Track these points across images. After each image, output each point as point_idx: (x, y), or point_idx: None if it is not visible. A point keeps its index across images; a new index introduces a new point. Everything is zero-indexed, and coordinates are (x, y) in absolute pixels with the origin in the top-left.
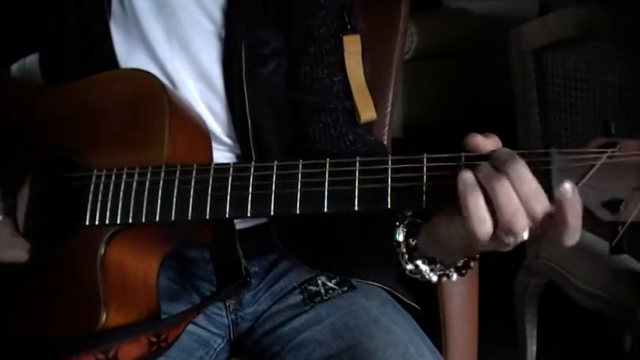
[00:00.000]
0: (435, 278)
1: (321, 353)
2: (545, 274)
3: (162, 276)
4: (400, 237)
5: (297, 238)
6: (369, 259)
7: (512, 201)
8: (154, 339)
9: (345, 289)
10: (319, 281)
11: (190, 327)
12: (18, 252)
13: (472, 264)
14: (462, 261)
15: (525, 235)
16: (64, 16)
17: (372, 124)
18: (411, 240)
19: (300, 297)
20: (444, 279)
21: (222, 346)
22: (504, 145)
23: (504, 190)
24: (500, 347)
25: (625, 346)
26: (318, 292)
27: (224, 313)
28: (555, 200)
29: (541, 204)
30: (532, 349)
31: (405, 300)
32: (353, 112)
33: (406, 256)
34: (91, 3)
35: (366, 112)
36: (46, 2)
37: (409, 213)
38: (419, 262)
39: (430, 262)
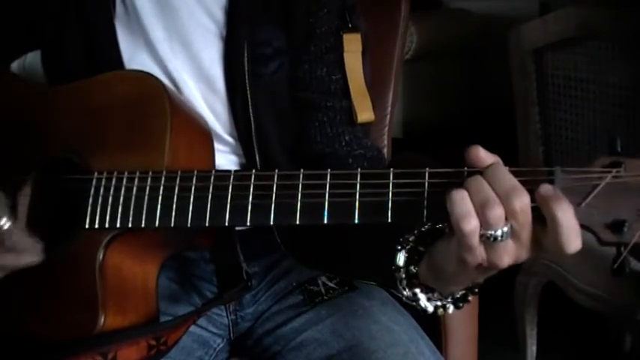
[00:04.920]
0: (431, 309)
1: (322, 353)
2: (545, 274)
3: (162, 276)
4: (401, 262)
5: (298, 238)
6: (369, 265)
7: (484, 192)
8: (153, 342)
9: (346, 289)
10: (320, 281)
11: (190, 327)
12: (32, 256)
13: (470, 297)
14: (460, 293)
15: (505, 237)
16: (65, 14)
17: (370, 127)
18: (412, 267)
19: (301, 297)
20: (440, 311)
21: (221, 346)
22: (505, 147)
23: (477, 183)
24: (501, 347)
25: (625, 346)
26: (319, 292)
27: (224, 313)
28: (539, 199)
29: (518, 198)
30: (532, 349)
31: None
32: (350, 111)
33: (405, 282)
34: (95, 2)
35: (364, 113)
36: (47, 0)
37: (412, 238)
38: (417, 290)
39: (428, 291)
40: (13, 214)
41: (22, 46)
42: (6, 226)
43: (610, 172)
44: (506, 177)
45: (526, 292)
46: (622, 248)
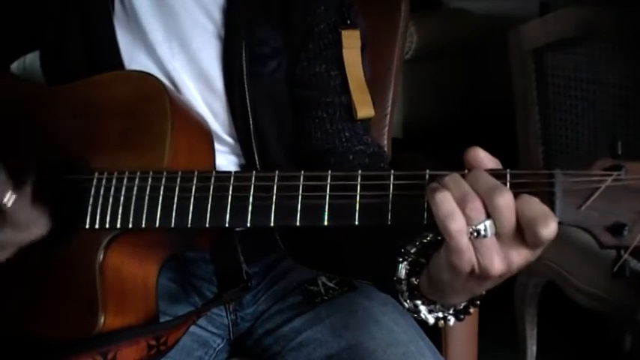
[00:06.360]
0: (431, 320)
1: (322, 353)
2: (545, 274)
3: (162, 276)
4: (402, 274)
5: (298, 239)
6: (371, 275)
7: (461, 187)
8: (153, 342)
9: (346, 289)
10: (319, 281)
11: (190, 327)
12: (38, 229)
13: (472, 310)
14: (462, 305)
15: (489, 232)
16: (66, 14)
17: (370, 123)
18: (413, 279)
19: (301, 297)
20: (441, 322)
21: (221, 346)
22: (505, 147)
23: (455, 180)
24: (501, 347)
25: (625, 346)
26: (319, 292)
27: (224, 314)
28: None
29: (500, 195)
30: (532, 349)
31: None
32: (350, 107)
33: (406, 294)
34: (95, 2)
35: (364, 109)
36: (46, 1)
37: (413, 250)
38: (418, 302)
39: (430, 303)
40: (17, 189)
41: (22, 47)
42: (11, 201)
43: (611, 175)
44: (487, 178)
45: (526, 292)
46: (622, 251)
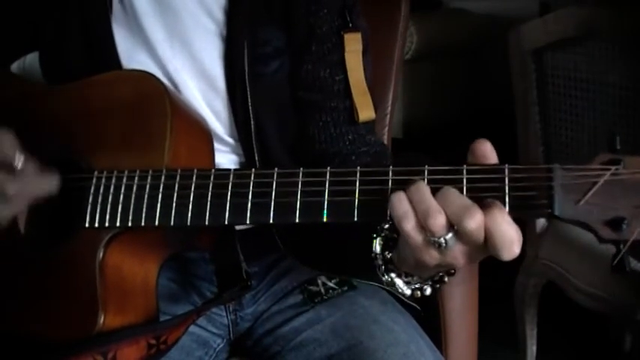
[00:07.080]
0: (408, 292)
1: (322, 353)
2: (545, 274)
3: (162, 276)
4: (377, 249)
5: (298, 238)
6: (361, 258)
7: (425, 202)
8: (153, 341)
9: (346, 288)
10: (319, 281)
11: (190, 327)
12: (51, 183)
13: (446, 278)
14: (438, 275)
15: (451, 244)
16: (65, 14)
17: (373, 124)
18: (386, 253)
19: (300, 297)
20: (417, 293)
21: (221, 346)
22: (505, 147)
23: (420, 194)
24: (501, 347)
25: (625, 346)
26: (318, 292)
27: (224, 314)
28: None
29: (471, 219)
30: (532, 349)
31: (405, 299)
32: (352, 111)
33: (382, 268)
34: (94, 2)
35: (365, 112)
36: (46, 1)
37: (386, 226)
38: (393, 275)
39: (406, 275)
40: (21, 152)
41: (22, 47)
42: (21, 161)
43: (609, 169)
44: (457, 197)
45: (526, 292)
46: (621, 245)
